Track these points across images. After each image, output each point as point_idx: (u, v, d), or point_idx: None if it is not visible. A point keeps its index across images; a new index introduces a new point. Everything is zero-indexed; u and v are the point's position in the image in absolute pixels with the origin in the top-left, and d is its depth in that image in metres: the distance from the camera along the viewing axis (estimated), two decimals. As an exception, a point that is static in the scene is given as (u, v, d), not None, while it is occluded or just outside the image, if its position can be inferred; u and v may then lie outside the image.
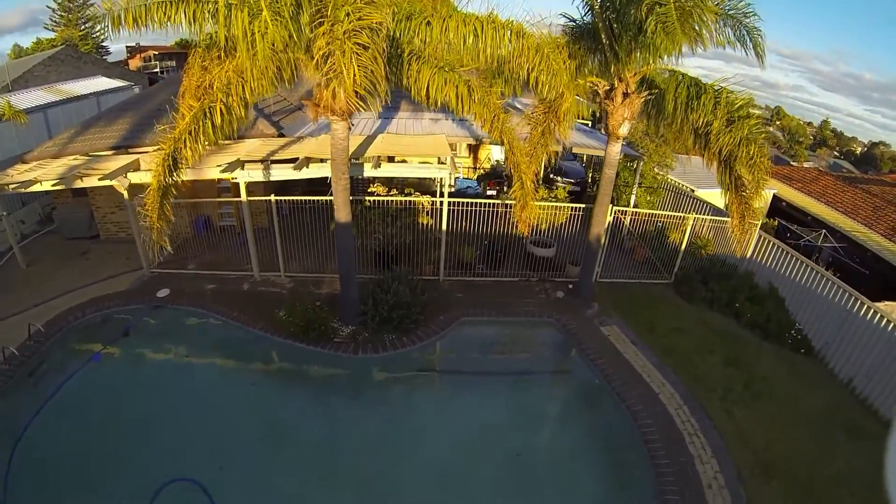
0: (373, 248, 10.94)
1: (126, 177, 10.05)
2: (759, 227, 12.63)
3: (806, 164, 47.34)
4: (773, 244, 12.38)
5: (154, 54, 62.60)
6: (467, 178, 17.61)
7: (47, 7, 50.04)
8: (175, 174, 7.01)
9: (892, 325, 9.49)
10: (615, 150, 9.39)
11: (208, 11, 5.64)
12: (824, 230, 18.13)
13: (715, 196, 18.30)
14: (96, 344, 9.06)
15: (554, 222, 11.41)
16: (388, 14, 5.69)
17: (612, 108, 8.86)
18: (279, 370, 9.20)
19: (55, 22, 50.52)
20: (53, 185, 10.38)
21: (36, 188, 10.43)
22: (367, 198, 11.07)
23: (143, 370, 8.78)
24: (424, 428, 7.92)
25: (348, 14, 5.33)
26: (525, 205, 7.94)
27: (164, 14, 5.78)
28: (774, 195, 21.66)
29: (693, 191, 17.75)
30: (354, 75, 5.42)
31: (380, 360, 9.03)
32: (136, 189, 9.96)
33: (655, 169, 17.02)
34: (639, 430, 7.72)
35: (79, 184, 10.32)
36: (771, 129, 54.97)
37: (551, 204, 11.43)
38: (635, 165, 15.12)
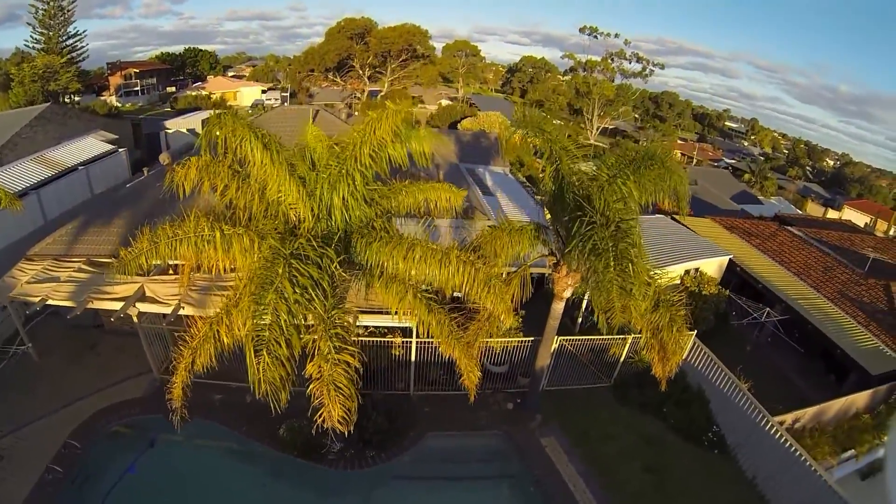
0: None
1: (136, 306, 11.86)
2: (693, 335, 14.70)
3: (772, 200, 49.99)
4: (703, 351, 14.50)
5: (135, 72, 64.02)
6: None
7: (27, 24, 49.77)
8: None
9: (783, 439, 11.69)
10: (559, 307, 11.47)
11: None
12: (767, 308, 20.00)
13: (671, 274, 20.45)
14: (128, 452, 11.33)
15: (507, 347, 13.46)
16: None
17: (558, 277, 10.90)
18: (284, 478, 11.48)
19: (35, 40, 50.37)
20: (64, 301, 12.24)
21: (49, 302, 12.27)
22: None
23: (173, 477, 10.97)
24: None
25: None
26: (471, 381, 9.67)
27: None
28: (731, 260, 22.95)
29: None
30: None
31: (364, 474, 11.56)
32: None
33: None
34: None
35: (90, 306, 12.15)
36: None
37: (503, 340, 13.40)
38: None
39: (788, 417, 13.07)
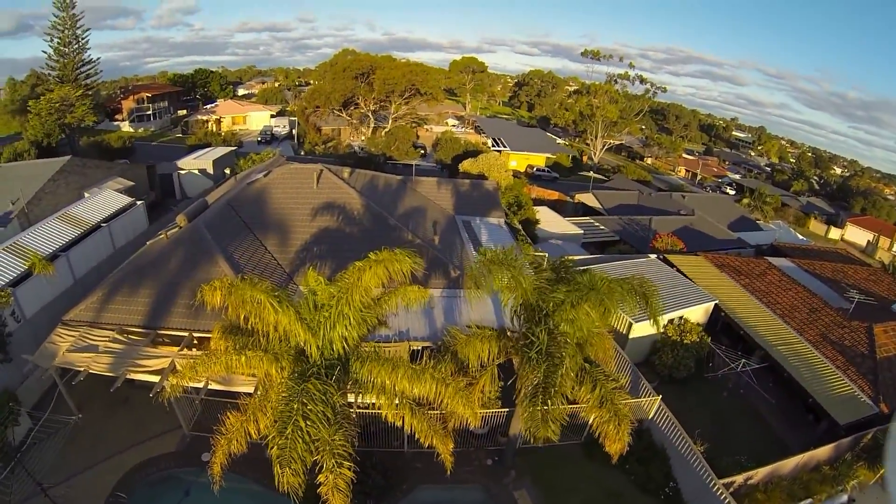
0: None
1: (169, 379, 14.17)
2: (659, 399, 16.79)
3: (771, 225, 51.58)
4: (666, 414, 16.53)
5: (147, 96, 67.31)
6: None
7: (42, 52, 51.83)
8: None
9: (726, 500, 13.62)
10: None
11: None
12: (743, 360, 21.38)
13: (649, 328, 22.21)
14: (166, 501, 13.79)
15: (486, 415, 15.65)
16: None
17: (523, 374, 12.83)
18: None
19: (51, 67, 52.72)
20: (105, 372, 14.62)
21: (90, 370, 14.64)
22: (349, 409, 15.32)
23: None
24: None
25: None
26: (447, 459, 11.64)
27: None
28: (716, 305, 24.53)
29: (631, 324, 21.60)
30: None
31: None
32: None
33: None
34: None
35: (127, 376, 14.51)
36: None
37: (481, 411, 15.44)
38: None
39: (739, 478, 14.78)
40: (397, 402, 10.36)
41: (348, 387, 10.78)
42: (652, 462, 16.01)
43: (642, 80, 66.52)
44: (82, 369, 14.75)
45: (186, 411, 15.87)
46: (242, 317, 10.03)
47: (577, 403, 15.19)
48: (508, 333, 13.28)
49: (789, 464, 15.86)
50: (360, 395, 11.12)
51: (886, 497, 16.23)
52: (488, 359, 12.44)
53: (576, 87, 73.86)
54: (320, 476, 8.88)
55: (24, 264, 18.11)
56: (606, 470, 15.57)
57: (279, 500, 13.68)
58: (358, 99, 58.54)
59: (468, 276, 12.82)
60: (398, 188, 27.43)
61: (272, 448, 8.69)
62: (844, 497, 15.88)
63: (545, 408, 10.81)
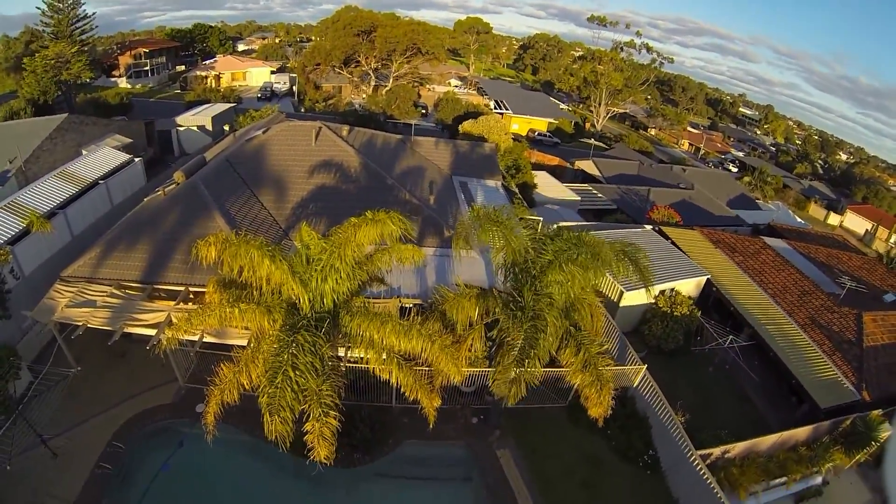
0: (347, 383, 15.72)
1: (165, 332, 14.44)
2: (645, 368, 17.14)
3: (770, 206, 51.42)
4: (651, 383, 16.88)
5: (144, 52, 65.81)
6: None
7: (37, 8, 51.11)
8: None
9: (701, 469, 14.11)
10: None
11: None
12: (731, 336, 21.43)
13: (642, 296, 22.49)
14: (162, 452, 14.29)
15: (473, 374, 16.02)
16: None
17: (505, 333, 13.12)
18: (288, 472, 14.55)
19: (45, 23, 51.40)
20: (103, 326, 14.93)
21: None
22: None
23: (199, 472, 13.94)
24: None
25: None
26: (430, 413, 12.00)
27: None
28: (708, 280, 24.57)
29: (622, 292, 21.87)
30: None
31: (352, 472, 14.61)
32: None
33: None
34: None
35: (124, 329, 14.82)
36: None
37: (469, 369, 15.73)
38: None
39: (716, 450, 15.15)
40: (385, 356, 10.62)
41: (338, 340, 11.06)
42: (633, 430, 16.46)
43: (649, 49, 65.29)
44: (80, 324, 15.03)
45: (182, 364, 16.21)
46: (236, 270, 10.20)
47: (563, 367, 15.75)
48: (496, 293, 13.47)
49: (767, 441, 16.22)
50: (350, 349, 11.41)
51: (860, 482, 16.83)
52: (476, 317, 12.67)
53: (581, 53, 72.13)
54: (307, 424, 9.22)
55: (23, 222, 18.18)
56: (589, 435, 16.10)
57: (269, 450, 13.87)
58: (359, 56, 57.34)
59: (458, 232, 12.94)
60: (396, 147, 27.32)
61: (262, 397, 8.99)
62: (819, 479, 16.30)
63: (520, 370, 11.06)
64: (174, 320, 14.90)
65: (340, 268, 10.14)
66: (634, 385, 17.66)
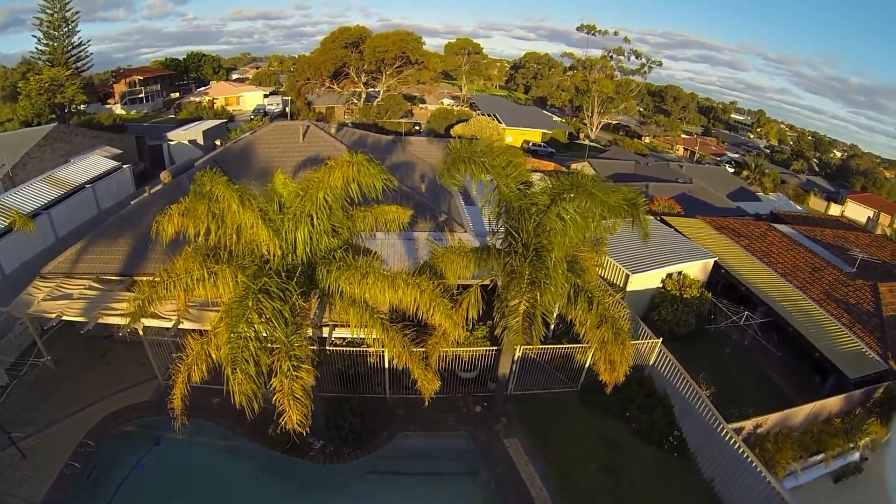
0: (336, 372, 14.30)
1: (141, 321, 13.23)
2: (660, 342, 15.82)
3: (771, 197, 50.43)
4: (669, 359, 15.52)
5: (139, 79, 65.78)
6: None
7: (32, 36, 51.78)
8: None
9: (737, 445, 12.61)
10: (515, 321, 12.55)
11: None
12: (746, 312, 20.55)
13: (652, 277, 21.31)
14: (136, 450, 13.06)
15: (474, 355, 14.68)
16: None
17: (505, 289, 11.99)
18: (273, 471, 13.13)
19: (40, 51, 52.10)
20: (77, 317, 13.77)
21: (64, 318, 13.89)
22: (328, 348, 14.21)
23: (176, 472, 12.67)
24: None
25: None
26: (426, 388, 10.67)
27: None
28: (716, 262, 23.53)
29: (628, 276, 20.70)
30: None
31: (341, 468, 13.13)
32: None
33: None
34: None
35: (100, 321, 13.60)
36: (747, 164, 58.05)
37: (470, 349, 14.65)
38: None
39: (748, 424, 13.86)
40: (368, 317, 9.34)
41: (314, 299, 9.86)
42: (654, 410, 14.97)
43: (637, 55, 65.11)
44: (55, 315, 14.01)
45: (161, 360, 14.95)
46: (203, 231, 9.03)
47: (574, 343, 14.44)
48: (492, 247, 12.23)
49: (801, 412, 15.04)
50: (334, 328, 10.00)
51: None
52: (469, 275, 11.38)
53: (571, 63, 72.19)
54: (274, 380, 7.93)
55: (5, 221, 17.38)
56: (606, 419, 14.73)
57: (251, 448, 13.13)
58: (349, 69, 57.03)
59: (443, 167, 11.72)
60: (387, 146, 26.60)
61: (223, 349, 7.71)
62: (857, 455, 15.02)
63: (532, 299, 9.75)
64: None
65: (313, 212, 8.96)
66: (651, 363, 16.24)
